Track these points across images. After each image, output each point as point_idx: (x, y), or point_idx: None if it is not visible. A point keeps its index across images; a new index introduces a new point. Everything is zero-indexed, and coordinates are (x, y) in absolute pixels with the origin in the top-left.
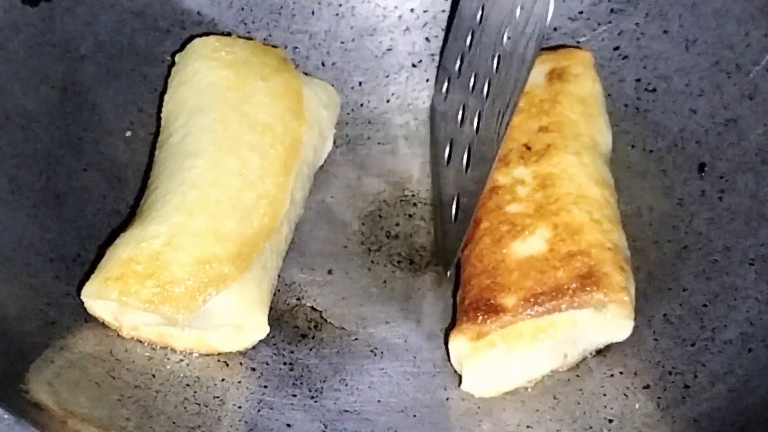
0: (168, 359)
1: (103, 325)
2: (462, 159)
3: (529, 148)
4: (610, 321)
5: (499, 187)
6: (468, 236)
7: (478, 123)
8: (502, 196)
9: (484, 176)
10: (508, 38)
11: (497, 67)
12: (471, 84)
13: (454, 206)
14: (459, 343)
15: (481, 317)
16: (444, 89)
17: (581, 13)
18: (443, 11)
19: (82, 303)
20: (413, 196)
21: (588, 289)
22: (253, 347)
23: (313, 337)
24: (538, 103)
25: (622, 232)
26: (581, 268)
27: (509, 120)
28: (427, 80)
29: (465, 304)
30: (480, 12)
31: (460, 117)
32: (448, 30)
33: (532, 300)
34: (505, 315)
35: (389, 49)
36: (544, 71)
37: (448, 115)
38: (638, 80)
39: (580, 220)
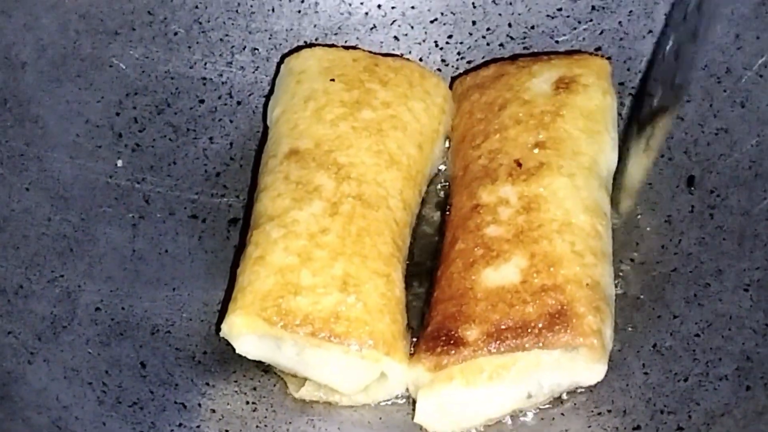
0: None
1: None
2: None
3: (520, 165)
4: (581, 364)
5: (481, 206)
6: (442, 255)
7: None
8: (483, 216)
9: None
10: None
11: None
12: None
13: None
14: (416, 373)
15: (440, 348)
16: None
17: (560, 10)
18: (413, 7)
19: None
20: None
21: (557, 329)
22: (213, 384)
23: (276, 372)
24: (539, 114)
25: (610, 266)
26: (553, 306)
27: None
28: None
29: (427, 331)
30: None
31: None
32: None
33: (495, 335)
34: (465, 349)
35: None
36: (551, 79)
37: None
38: (621, 84)
39: (560, 251)
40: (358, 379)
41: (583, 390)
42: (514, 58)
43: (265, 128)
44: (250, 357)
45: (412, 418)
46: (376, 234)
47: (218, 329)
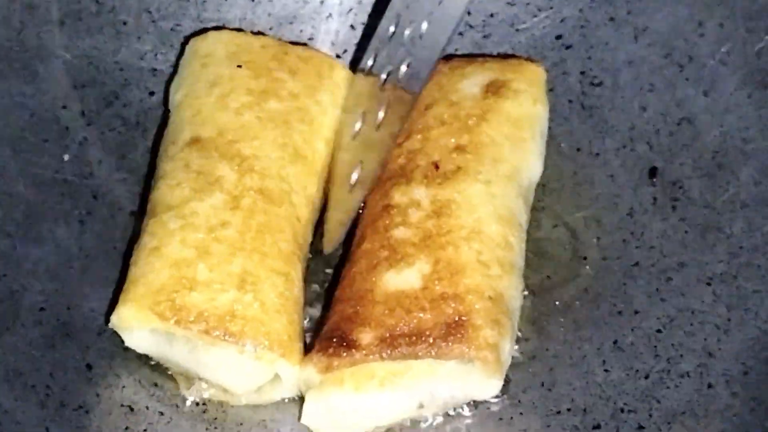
0: None
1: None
2: (374, 123)
3: (437, 168)
4: (475, 377)
5: (392, 206)
6: (349, 254)
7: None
8: (393, 217)
9: (389, 138)
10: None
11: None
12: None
13: (354, 175)
14: (307, 373)
15: (332, 350)
16: (369, 63)
17: None
18: None
19: None
20: None
21: (452, 340)
22: (162, 386)
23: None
24: (464, 117)
25: (518, 279)
26: (450, 315)
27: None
28: (352, 72)
29: (322, 330)
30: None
31: (380, 84)
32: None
33: (388, 341)
34: (357, 353)
35: (311, 39)
36: (482, 82)
37: (366, 87)
38: (583, 73)
39: (465, 260)
40: (252, 380)
41: (540, 386)
42: (448, 58)
43: (167, 111)
44: (139, 351)
45: (299, 419)
46: (277, 231)
47: (107, 320)
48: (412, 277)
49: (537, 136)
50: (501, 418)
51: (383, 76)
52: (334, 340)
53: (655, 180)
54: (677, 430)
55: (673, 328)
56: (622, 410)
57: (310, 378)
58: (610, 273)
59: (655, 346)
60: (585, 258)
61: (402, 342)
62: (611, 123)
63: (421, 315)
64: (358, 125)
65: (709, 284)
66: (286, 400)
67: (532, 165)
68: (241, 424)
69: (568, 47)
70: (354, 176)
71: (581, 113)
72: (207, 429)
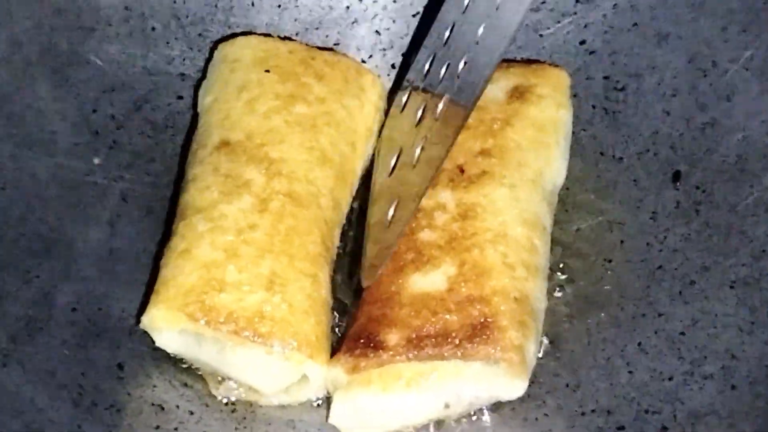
0: None
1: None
2: (411, 163)
3: (462, 171)
4: (501, 378)
5: (419, 209)
6: None
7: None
8: (419, 220)
9: (426, 179)
10: (476, 43)
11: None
12: (433, 81)
13: (391, 211)
14: (335, 373)
15: (360, 351)
16: (404, 100)
17: (544, 2)
18: (394, 1)
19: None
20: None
21: (477, 341)
22: (191, 386)
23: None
24: (489, 121)
25: (542, 281)
26: (476, 317)
27: (459, 127)
28: (378, 76)
29: (350, 331)
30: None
31: (416, 121)
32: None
33: (415, 342)
34: (384, 353)
35: (336, 44)
36: (506, 87)
37: (402, 122)
38: (606, 78)
39: (490, 262)
40: (280, 380)
41: (565, 388)
42: None
43: (195, 115)
44: (169, 351)
45: (326, 419)
46: (304, 233)
47: (138, 321)
48: (438, 279)
49: (561, 141)
50: (525, 419)
51: (419, 113)
52: (362, 341)
53: (678, 184)
54: (701, 431)
55: (697, 331)
56: (646, 411)
57: (337, 378)
58: (634, 276)
59: (679, 348)
60: (609, 261)
61: (428, 343)
62: (634, 127)
63: (447, 316)
64: (393, 162)
65: (732, 287)
66: (314, 400)
67: (556, 169)
68: (270, 423)
69: (591, 52)
70: (390, 213)
71: (605, 118)
72: (236, 428)
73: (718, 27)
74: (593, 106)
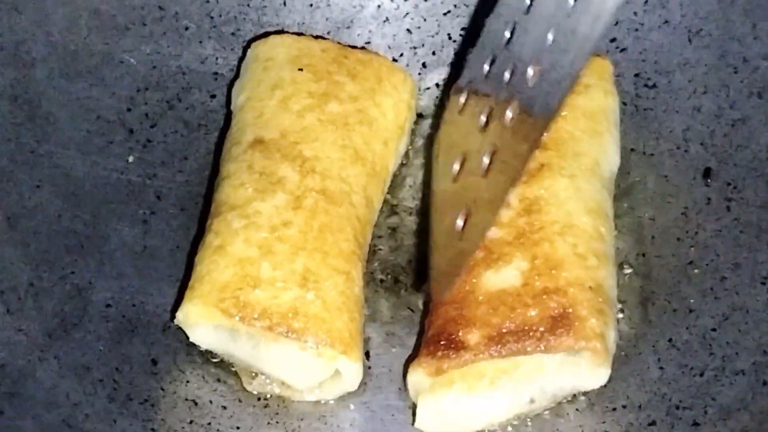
0: None
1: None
2: (479, 170)
3: None
4: (584, 368)
5: None
6: None
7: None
8: None
9: (502, 189)
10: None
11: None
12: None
13: (459, 221)
14: (417, 377)
15: (441, 352)
16: (461, 102)
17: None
18: (425, 0)
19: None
20: (396, 205)
21: (559, 332)
22: (224, 381)
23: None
24: None
25: (612, 269)
26: (555, 309)
27: (537, 140)
28: (410, 74)
29: (428, 335)
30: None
31: (481, 124)
32: (468, 36)
33: (496, 339)
34: (466, 353)
35: (368, 43)
36: None
37: (462, 126)
38: (637, 75)
39: (562, 254)
40: (313, 376)
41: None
42: None
43: (229, 113)
44: (203, 347)
45: (412, 424)
46: (338, 230)
47: (173, 316)
48: (511, 275)
49: (612, 127)
50: (557, 415)
51: (482, 117)
52: (442, 342)
53: (709, 181)
54: (732, 427)
55: (728, 327)
56: (677, 407)
57: (419, 382)
58: (665, 271)
59: (710, 344)
60: (643, 255)
61: (510, 339)
62: (665, 124)
63: (526, 311)
64: (456, 167)
65: (763, 284)
66: (347, 396)
67: (610, 156)
68: (302, 419)
69: (622, 50)
70: (459, 223)
71: (635, 115)
72: (269, 423)
73: (749, 24)
74: (624, 103)
